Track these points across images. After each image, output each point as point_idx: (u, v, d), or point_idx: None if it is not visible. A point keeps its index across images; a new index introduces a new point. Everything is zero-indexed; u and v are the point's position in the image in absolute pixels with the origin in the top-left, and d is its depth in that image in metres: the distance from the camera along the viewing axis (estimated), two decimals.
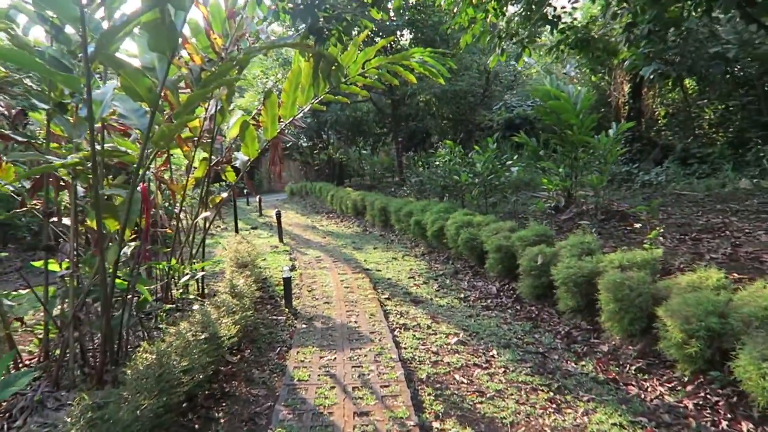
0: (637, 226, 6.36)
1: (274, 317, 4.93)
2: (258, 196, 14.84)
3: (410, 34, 13.23)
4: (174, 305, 4.21)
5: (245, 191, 19.38)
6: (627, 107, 13.51)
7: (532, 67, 16.83)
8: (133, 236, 4.09)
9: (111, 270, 2.94)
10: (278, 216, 9.39)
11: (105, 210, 3.01)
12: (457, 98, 12.84)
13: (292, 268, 7.12)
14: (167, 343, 2.94)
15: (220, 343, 3.28)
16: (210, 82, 3.06)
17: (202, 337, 3.10)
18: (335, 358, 3.79)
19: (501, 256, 5.74)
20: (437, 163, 10.88)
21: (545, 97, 8.53)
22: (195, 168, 4.77)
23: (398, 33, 13.63)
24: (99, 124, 3.17)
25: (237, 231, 9.38)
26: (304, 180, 21.85)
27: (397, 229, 9.91)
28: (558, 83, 8.61)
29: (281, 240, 9.49)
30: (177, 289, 4.46)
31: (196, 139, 4.69)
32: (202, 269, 4.64)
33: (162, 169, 4.86)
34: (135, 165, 2.99)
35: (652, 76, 8.14)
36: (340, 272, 6.86)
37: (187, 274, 4.19)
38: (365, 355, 3.80)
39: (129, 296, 3.19)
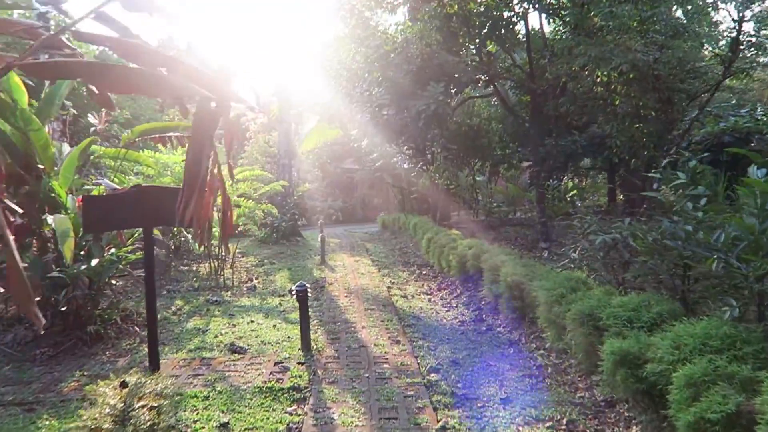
0: None
1: None
2: (320, 235, 10.18)
3: None
4: None
5: (333, 217, 14.96)
6: None
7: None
8: None
9: None
10: (302, 300, 4.50)
11: None
12: (672, 76, 6.61)
13: None
14: None
15: None
16: None
17: None
18: None
19: None
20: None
21: None
22: None
23: None
24: None
25: (155, 364, 3.65)
26: (399, 211, 17.23)
27: (551, 339, 4.63)
28: None
29: (306, 347, 4.67)
30: None
31: None
32: None
33: None
34: None
35: None
36: None
37: None
38: None
39: None
